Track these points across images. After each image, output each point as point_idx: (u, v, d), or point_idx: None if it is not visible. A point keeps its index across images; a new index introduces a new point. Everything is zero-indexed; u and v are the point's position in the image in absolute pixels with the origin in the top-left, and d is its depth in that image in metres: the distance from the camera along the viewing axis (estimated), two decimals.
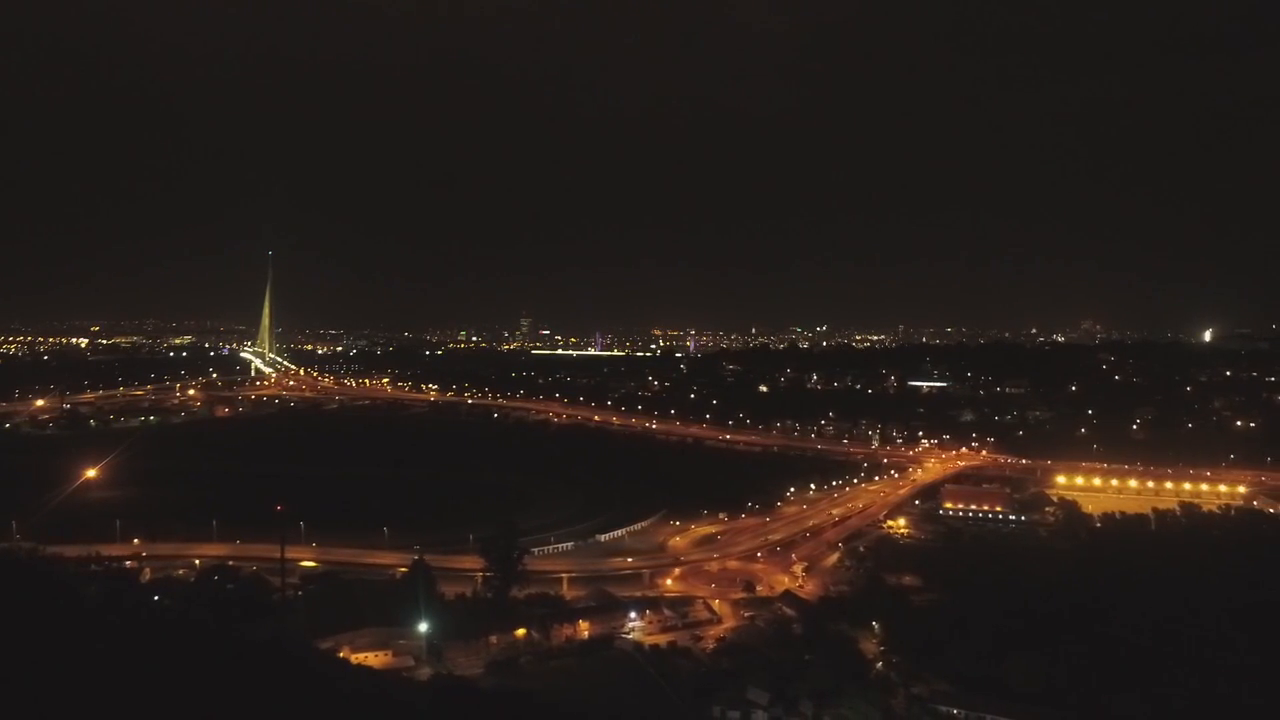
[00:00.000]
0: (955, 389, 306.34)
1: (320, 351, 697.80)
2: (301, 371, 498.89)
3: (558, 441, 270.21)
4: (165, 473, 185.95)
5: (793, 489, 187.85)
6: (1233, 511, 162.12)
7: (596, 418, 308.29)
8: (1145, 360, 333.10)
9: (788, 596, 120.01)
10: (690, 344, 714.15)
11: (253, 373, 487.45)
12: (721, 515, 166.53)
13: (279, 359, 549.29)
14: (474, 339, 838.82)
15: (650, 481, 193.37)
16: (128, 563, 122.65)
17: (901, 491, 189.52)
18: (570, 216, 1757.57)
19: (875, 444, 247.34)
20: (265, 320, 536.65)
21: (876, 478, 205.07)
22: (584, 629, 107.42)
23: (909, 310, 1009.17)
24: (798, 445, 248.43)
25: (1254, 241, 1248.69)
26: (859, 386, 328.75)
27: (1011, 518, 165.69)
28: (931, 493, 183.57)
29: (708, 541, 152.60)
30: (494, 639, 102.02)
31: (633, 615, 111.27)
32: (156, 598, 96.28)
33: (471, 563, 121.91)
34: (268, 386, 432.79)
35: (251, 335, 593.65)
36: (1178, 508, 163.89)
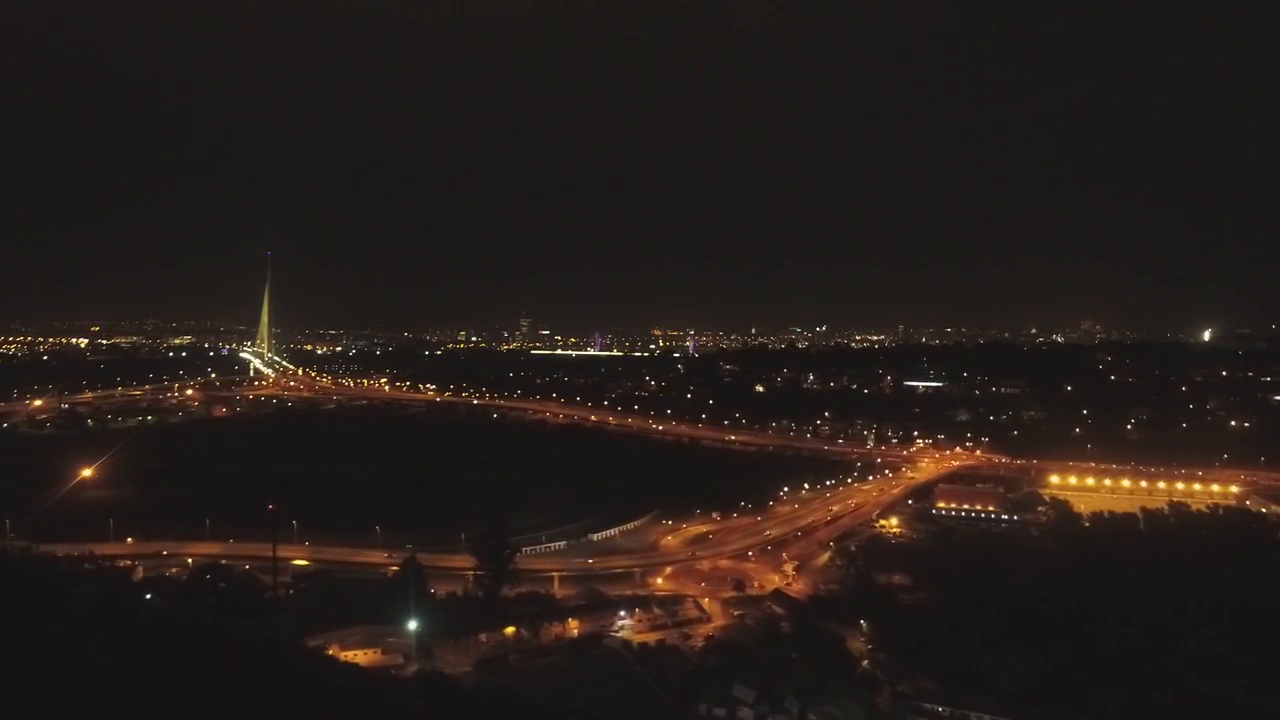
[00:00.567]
0: (951, 389, 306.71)
1: (320, 351, 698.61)
2: (300, 371, 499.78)
3: (554, 441, 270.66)
4: (161, 472, 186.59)
5: (786, 488, 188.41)
6: (1221, 511, 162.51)
7: (593, 418, 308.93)
8: (1142, 360, 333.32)
9: (777, 595, 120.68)
10: (690, 344, 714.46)
11: (251, 373, 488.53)
12: (714, 514, 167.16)
13: (278, 359, 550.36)
14: (474, 339, 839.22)
15: (645, 481, 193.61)
16: (120, 562, 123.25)
17: (895, 491, 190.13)
18: (571, 217, 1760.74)
19: (870, 444, 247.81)
20: (264, 321, 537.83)
21: (870, 477, 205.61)
22: (573, 627, 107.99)
23: (909, 310, 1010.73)
24: (793, 445, 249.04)
25: (1254, 241, 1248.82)
26: (855, 386, 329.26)
27: (1004, 517, 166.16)
28: (925, 492, 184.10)
29: (700, 541, 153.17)
30: (483, 637, 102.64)
31: (622, 614, 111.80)
32: (149, 596, 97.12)
33: (463, 562, 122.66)
34: (266, 386, 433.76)
35: (251, 335, 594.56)
36: (1166, 507, 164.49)
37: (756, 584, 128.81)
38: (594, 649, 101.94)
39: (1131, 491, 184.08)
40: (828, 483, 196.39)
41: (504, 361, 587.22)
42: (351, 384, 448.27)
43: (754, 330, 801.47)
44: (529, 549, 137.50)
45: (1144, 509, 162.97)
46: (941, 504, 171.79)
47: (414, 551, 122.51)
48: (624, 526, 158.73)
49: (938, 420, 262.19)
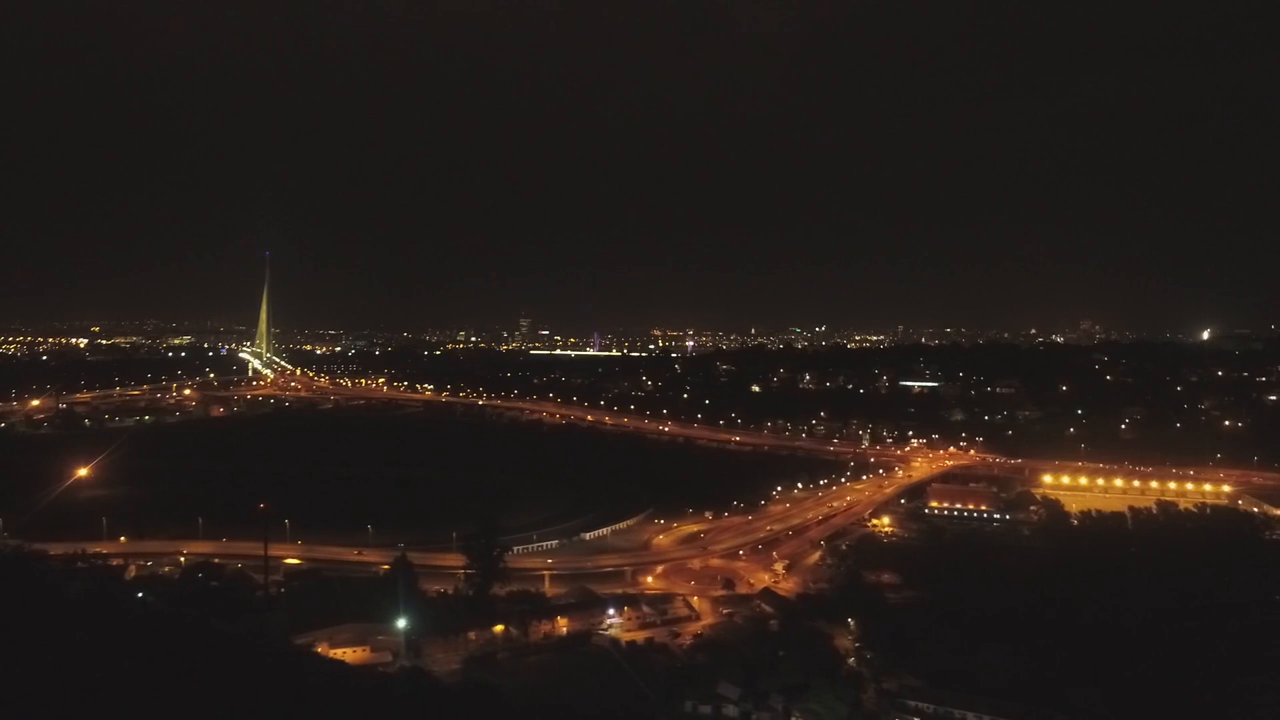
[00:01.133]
0: (947, 389, 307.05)
1: (319, 352, 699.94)
2: (298, 372, 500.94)
3: (550, 441, 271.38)
4: (156, 472, 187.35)
5: (780, 488, 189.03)
6: (1209, 510, 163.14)
7: (589, 417, 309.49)
8: (1139, 360, 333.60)
9: (766, 594, 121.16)
10: (689, 344, 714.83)
11: (250, 373, 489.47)
12: (707, 514, 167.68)
13: (276, 359, 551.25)
14: (473, 339, 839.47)
15: (639, 480, 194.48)
16: (113, 560, 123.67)
17: (887, 490, 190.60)
18: (571, 218, 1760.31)
19: (865, 443, 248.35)
20: (263, 321, 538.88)
21: (864, 477, 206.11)
22: (563, 625, 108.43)
23: (909, 311, 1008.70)
24: (788, 445, 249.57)
25: (1255, 241, 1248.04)
26: (851, 387, 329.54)
27: (996, 516, 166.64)
28: (918, 492, 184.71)
29: (691, 540, 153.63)
30: (473, 635, 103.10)
31: (611, 612, 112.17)
32: (141, 594, 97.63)
33: (454, 560, 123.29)
34: (264, 387, 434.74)
35: (251, 336, 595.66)
36: (1154, 506, 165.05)
37: (746, 583, 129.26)
38: (582, 647, 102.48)
39: (1124, 491, 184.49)
40: (821, 482, 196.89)
41: (503, 362, 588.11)
42: (349, 384, 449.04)
43: (754, 331, 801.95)
44: (521, 548, 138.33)
45: (1132, 508, 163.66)
46: (934, 503, 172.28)
47: (405, 550, 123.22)
48: (616, 526, 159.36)
49: (932, 420, 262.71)
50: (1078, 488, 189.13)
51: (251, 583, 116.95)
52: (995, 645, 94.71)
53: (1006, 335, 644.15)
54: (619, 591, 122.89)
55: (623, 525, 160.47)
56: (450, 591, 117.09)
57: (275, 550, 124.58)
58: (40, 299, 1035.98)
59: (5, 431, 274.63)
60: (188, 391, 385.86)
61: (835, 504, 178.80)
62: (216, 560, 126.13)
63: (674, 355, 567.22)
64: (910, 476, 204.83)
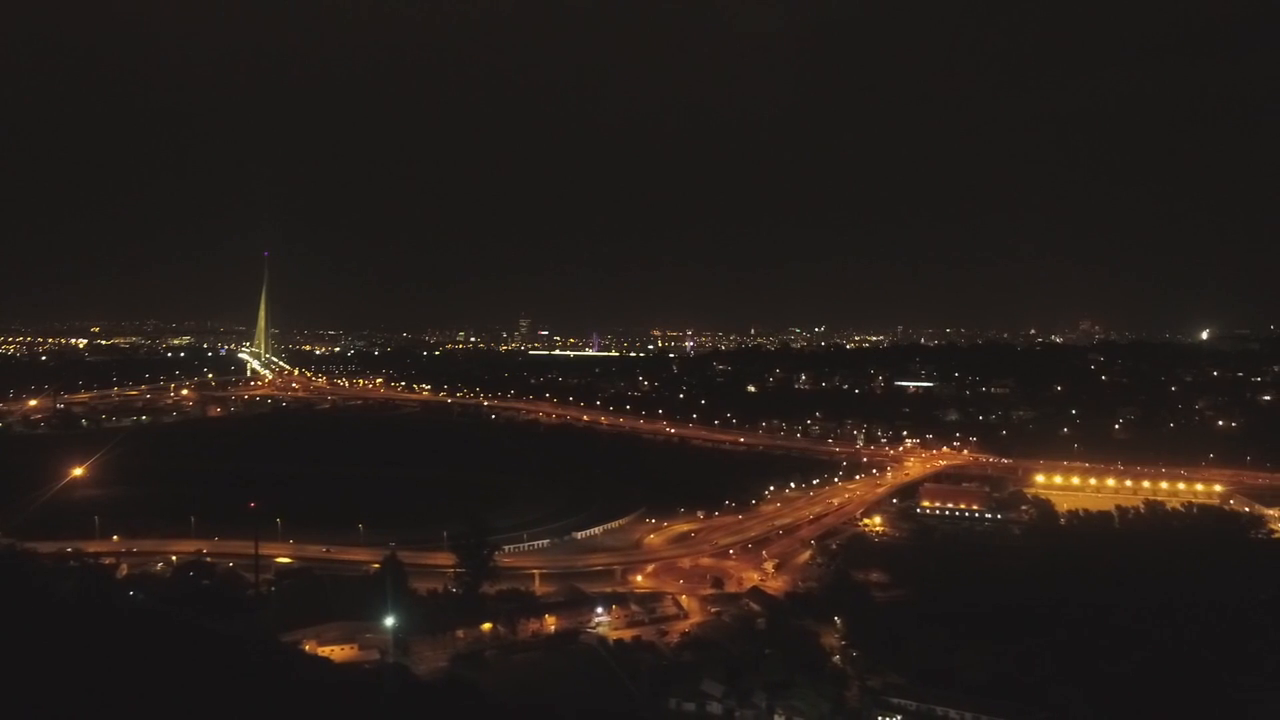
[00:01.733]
0: (942, 389, 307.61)
1: (318, 352, 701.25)
2: (297, 372, 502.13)
3: (545, 441, 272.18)
4: (151, 471, 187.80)
5: (772, 487, 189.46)
6: (1195, 510, 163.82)
7: (585, 417, 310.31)
8: (1134, 360, 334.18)
9: (755, 592, 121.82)
10: (689, 345, 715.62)
11: (248, 373, 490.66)
12: (699, 513, 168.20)
13: (275, 359, 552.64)
14: (473, 340, 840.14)
15: (632, 480, 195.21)
16: (105, 559, 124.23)
17: (880, 490, 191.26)
18: (571, 218, 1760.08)
19: (859, 443, 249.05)
20: (261, 321, 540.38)
21: (857, 476, 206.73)
22: (551, 624, 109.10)
23: (909, 311, 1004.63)
24: (782, 445, 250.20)
25: (1254, 241, 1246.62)
26: (846, 386, 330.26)
27: (987, 516, 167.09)
28: (910, 491, 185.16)
29: (683, 539, 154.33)
30: (461, 633, 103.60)
31: (600, 610, 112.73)
32: (131, 593, 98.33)
33: (445, 560, 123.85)
34: (262, 386, 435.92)
35: (250, 336, 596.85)
36: (1142, 505, 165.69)
37: (736, 581, 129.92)
38: (569, 645, 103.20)
39: (1116, 490, 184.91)
40: (814, 482, 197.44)
41: (501, 362, 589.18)
42: (347, 384, 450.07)
43: (753, 331, 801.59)
44: (512, 547, 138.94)
45: (1119, 507, 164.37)
46: (926, 503, 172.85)
47: (396, 549, 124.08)
48: (608, 525, 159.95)
49: (927, 420, 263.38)
50: (1070, 487, 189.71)
51: (242, 581, 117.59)
52: (979, 643, 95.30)
53: (1006, 336, 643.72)
54: (608, 590, 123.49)
55: (614, 524, 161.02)
56: (440, 590, 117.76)
57: (267, 549, 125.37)
58: (40, 299, 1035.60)
59: (2, 432, 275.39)
60: (185, 392, 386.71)
61: (827, 504, 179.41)
62: (208, 559, 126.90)
63: (672, 356, 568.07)
64: (905, 476, 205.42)
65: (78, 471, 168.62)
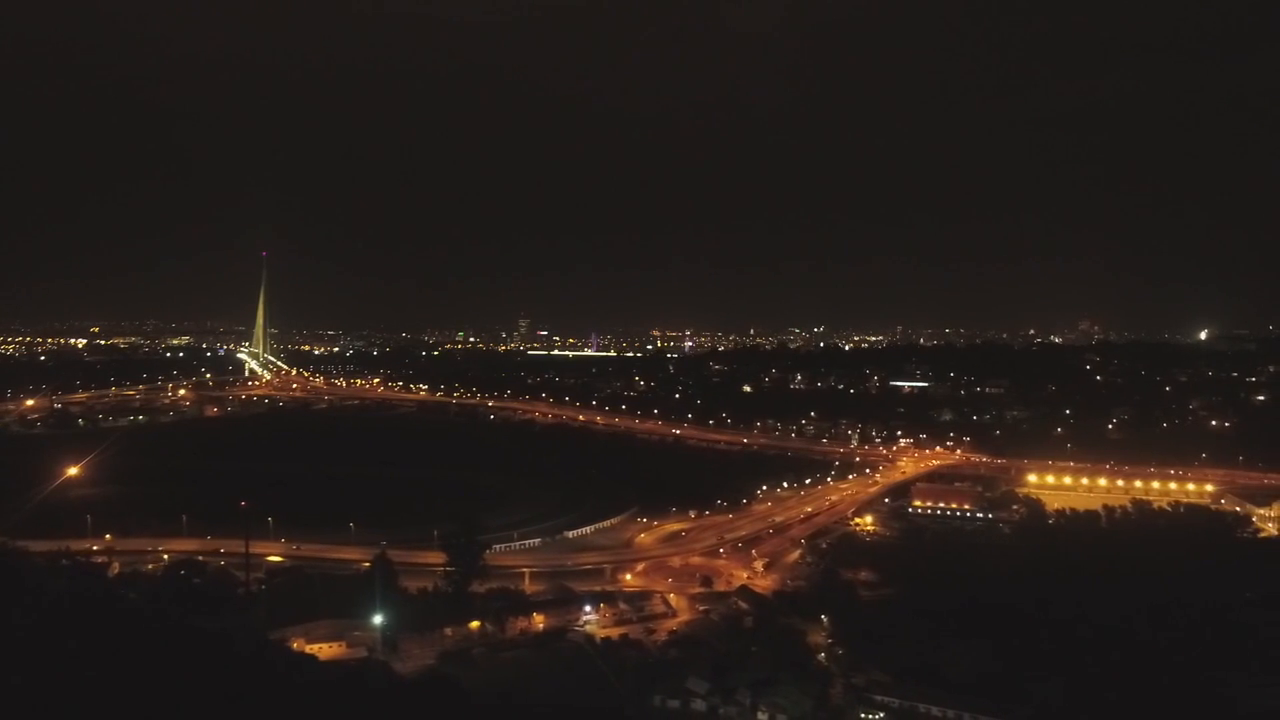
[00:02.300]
0: (937, 389, 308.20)
1: (317, 352, 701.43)
2: (294, 372, 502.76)
3: (541, 441, 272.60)
4: (145, 471, 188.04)
5: (765, 487, 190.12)
6: (1182, 508, 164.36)
7: (581, 417, 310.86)
8: (1130, 360, 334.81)
9: (743, 591, 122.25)
10: (687, 345, 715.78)
11: (246, 373, 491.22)
12: (690, 513, 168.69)
13: (273, 359, 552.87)
14: (472, 340, 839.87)
15: (626, 480, 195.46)
16: (98, 558, 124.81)
17: (872, 489, 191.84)
18: (570, 218, 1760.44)
19: (854, 443, 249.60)
20: (260, 321, 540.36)
21: (850, 476, 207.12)
22: (539, 622, 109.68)
23: (908, 312, 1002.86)
24: (777, 444, 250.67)
25: (1254, 242, 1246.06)
26: (842, 386, 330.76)
27: (978, 515, 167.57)
28: (903, 491, 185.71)
29: (674, 538, 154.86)
30: (449, 631, 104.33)
31: (588, 609, 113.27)
32: (123, 592, 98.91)
33: (435, 558, 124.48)
34: (259, 386, 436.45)
35: (249, 336, 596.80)
36: (1129, 504, 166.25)
37: (725, 580, 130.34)
38: (557, 643, 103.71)
39: (1107, 490, 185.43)
40: (806, 481, 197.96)
41: (500, 362, 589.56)
42: (344, 384, 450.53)
43: (752, 331, 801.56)
44: (503, 546, 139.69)
45: (1106, 506, 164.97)
46: (918, 502, 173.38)
47: (386, 548, 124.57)
48: (600, 524, 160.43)
49: (921, 420, 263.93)
50: (1061, 487, 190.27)
51: (233, 580, 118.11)
52: (964, 641, 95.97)
53: (1004, 336, 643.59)
54: (597, 589, 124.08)
55: (606, 524, 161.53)
56: (430, 588, 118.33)
57: (259, 548, 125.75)
58: (40, 299, 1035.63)
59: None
60: (183, 391, 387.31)
61: (819, 503, 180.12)
62: (200, 558, 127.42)
63: (670, 356, 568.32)
64: (898, 475, 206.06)
65: (72, 471, 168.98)
